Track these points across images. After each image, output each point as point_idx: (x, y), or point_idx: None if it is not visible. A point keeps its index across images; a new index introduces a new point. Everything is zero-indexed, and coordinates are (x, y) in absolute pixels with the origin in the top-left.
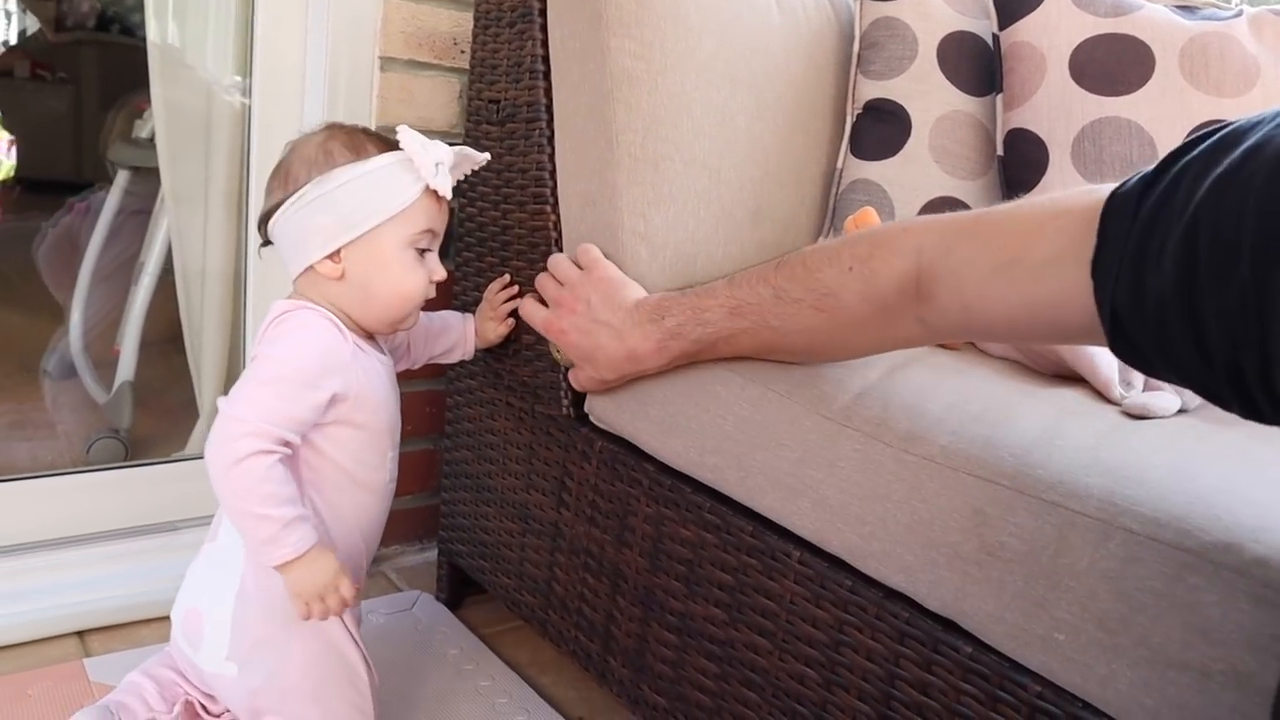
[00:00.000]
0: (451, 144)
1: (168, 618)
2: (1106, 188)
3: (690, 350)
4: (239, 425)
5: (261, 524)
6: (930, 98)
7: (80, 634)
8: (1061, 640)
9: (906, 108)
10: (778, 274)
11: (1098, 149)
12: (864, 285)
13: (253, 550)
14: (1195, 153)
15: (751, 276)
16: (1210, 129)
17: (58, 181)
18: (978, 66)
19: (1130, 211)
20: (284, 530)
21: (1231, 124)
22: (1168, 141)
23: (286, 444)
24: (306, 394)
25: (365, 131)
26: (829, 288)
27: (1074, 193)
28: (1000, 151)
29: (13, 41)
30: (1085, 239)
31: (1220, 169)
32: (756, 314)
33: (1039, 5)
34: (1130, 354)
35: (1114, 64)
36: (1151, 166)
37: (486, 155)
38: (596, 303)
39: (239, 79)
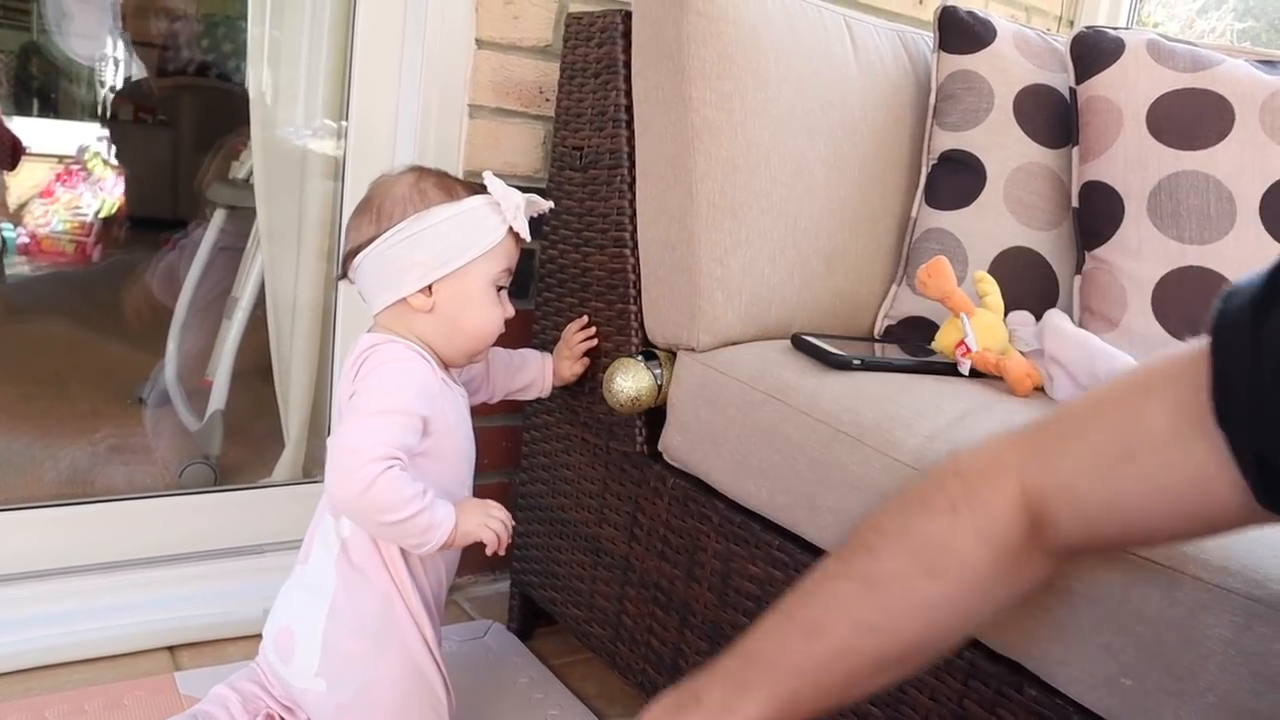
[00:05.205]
0: (534, 189)
1: (254, 636)
2: (1188, 345)
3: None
4: (354, 457)
5: (414, 521)
6: (1006, 149)
7: (171, 649)
8: (1129, 685)
9: (982, 158)
10: (842, 564)
11: (1174, 202)
12: (980, 522)
13: (414, 545)
14: None
15: (807, 592)
16: None
17: (156, 219)
18: (1054, 119)
19: (1245, 339)
20: (432, 512)
21: None
22: (1247, 195)
23: (399, 459)
24: (409, 420)
25: (450, 175)
26: (938, 541)
27: (1154, 363)
28: (1075, 203)
29: (119, 87)
30: (1201, 399)
31: None
32: (844, 616)
33: (1117, 60)
34: None
35: (1192, 118)
36: (1255, 284)
37: (550, 203)
38: None
39: (335, 124)
